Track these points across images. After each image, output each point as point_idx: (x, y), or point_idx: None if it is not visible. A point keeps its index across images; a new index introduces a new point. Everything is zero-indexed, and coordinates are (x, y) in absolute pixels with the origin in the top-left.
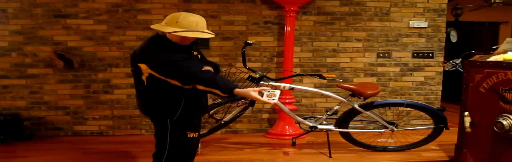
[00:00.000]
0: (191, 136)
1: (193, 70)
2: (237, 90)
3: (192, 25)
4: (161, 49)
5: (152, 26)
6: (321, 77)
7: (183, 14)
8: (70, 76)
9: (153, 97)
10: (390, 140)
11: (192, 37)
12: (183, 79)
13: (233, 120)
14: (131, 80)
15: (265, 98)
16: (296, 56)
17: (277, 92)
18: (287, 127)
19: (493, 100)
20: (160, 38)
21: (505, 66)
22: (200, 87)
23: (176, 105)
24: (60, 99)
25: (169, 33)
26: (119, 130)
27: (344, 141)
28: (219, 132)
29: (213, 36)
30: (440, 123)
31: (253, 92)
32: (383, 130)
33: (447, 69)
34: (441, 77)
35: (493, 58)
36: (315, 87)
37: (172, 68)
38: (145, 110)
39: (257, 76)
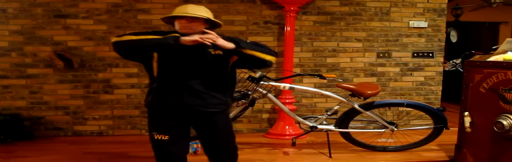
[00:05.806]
0: (158, 138)
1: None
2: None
3: (180, 10)
4: None
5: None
6: (321, 77)
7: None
8: (70, 76)
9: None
10: (390, 140)
11: (185, 22)
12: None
13: (233, 120)
14: (131, 80)
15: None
16: (296, 56)
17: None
18: (287, 127)
19: (493, 100)
20: None
21: (505, 66)
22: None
23: (150, 92)
24: (60, 99)
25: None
26: (119, 130)
27: (344, 141)
28: None
29: (197, 16)
30: (440, 123)
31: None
32: (383, 130)
33: (447, 69)
34: (441, 77)
35: (493, 58)
36: (315, 87)
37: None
38: None
39: (257, 76)
